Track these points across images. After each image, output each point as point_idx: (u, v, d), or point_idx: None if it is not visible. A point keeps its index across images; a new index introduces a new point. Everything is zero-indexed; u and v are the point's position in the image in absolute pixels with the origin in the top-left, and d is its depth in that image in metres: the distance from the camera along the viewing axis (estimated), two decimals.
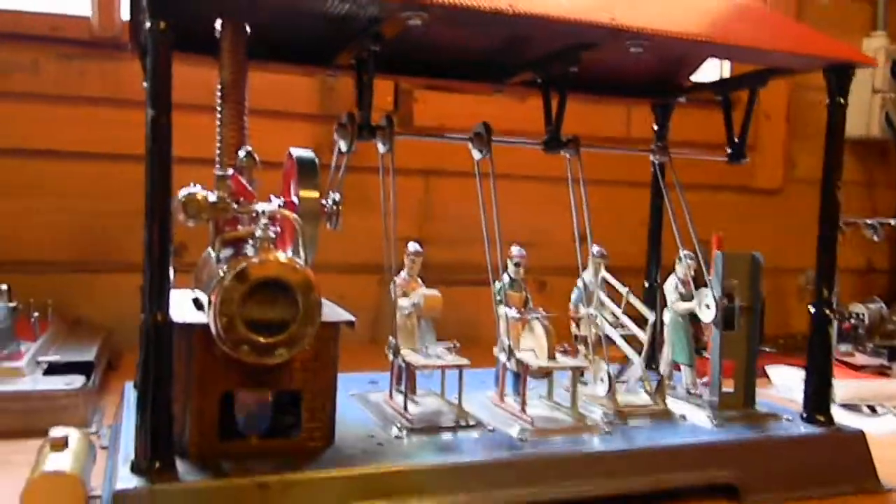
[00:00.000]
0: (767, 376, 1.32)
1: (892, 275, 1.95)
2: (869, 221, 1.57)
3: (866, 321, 1.52)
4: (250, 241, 0.68)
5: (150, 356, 0.59)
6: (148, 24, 0.58)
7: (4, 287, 1.04)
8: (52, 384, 0.90)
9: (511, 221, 1.44)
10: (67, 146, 1.32)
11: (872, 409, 1.14)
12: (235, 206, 0.68)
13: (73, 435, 0.70)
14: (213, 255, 0.70)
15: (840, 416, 1.11)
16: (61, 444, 0.66)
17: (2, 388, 0.87)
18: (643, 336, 0.83)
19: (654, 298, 1.01)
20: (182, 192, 0.65)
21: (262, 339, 0.61)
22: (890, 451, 0.97)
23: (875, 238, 1.57)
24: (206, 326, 0.61)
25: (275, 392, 0.66)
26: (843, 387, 1.18)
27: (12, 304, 1.03)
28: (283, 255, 0.65)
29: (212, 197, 0.66)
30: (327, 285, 1.47)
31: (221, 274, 0.61)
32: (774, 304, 1.72)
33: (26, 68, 1.28)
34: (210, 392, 0.62)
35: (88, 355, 1.04)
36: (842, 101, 0.81)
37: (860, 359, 1.36)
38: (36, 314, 1.08)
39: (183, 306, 0.69)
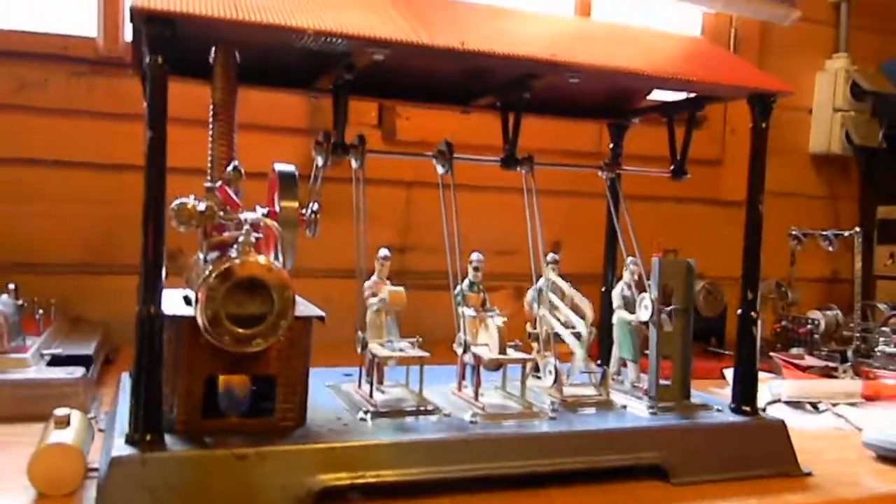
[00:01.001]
0: (724, 378, 1.41)
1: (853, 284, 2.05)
2: (825, 233, 1.67)
3: (822, 327, 1.61)
4: (234, 246, 0.77)
5: (144, 344, 0.68)
6: (147, 59, 0.68)
7: (12, 286, 1.14)
8: (55, 374, 0.99)
9: (490, 230, 1.55)
10: (74, 156, 1.41)
11: (815, 407, 1.23)
12: (222, 214, 0.77)
13: (75, 415, 0.79)
14: (201, 257, 0.79)
15: (785, 412, 1.20)
16: (64, 422, 0.76)
17: (9, 376, 0.96)
18: (584, 329, 0.93)
19: (609, 303, 1.10)
20: (175, 202, 0.74)
21: (241, 331, 0.70)
22: (822, 443, 1.06)
23: (830, 249, 1.67)
24: (193, 319, 0.70)
25: (253, 378, 0.76)
26: (789, 386, 1.27)
27: (19, 302, 1.12)
28: (262, 258, 0.74)
29: (201, 206, 0.76)
30: (317, 288, 1.57)
31: (207, 273, 0.71)
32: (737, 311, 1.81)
33: (38, 84, 1.38)
34: (196, 376, 0.72)
35: (88, 349, 1.13)
36: (764, 125, 0.90)
37: (808, 361, 1.46)
38: (41, 311, 1.17)
39: (175, 302, 0.79)
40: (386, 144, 1.61)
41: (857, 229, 1.61)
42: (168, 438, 0.70)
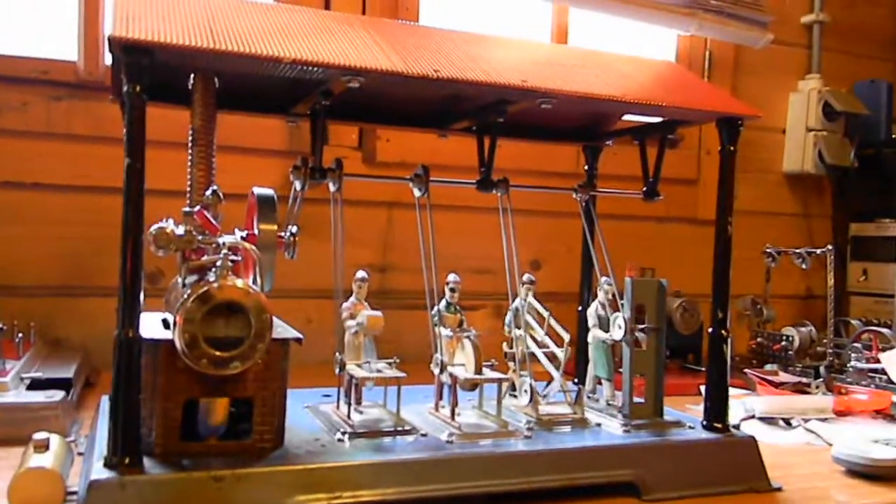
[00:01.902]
0: (701, 394, 1.43)
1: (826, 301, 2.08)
2: (798, 251, 1.70)
3: (796, 343, 1.64)
4: (212, 269, 0.78)
5: (122, 367, 0.69)
6: (125, 88, 0.69)
7: None
8: (34, 398, 0.99)
9: (470, 249, 1.57)
10: (53, 180, 1.42)
11: (787, 422, 1.25)
12: (200, 238, 0.79)
13: (54, 439, 0.80)
14: (180, 281, 0.80)
15: (757, 428, 1.22)
16: (43, 446, 0.76)
17: None
18: (560, 354, 0.94)
19: (585, 321, 1.12)
20: (153, 227, 0.75)
21: (219, 354, 0.72)
22: (793, 458, 1.08)
23: (803, 266, 1.70)
24: (171, 342, 0.71)
25: (232, 400, 0.77)
26: (762, 402, 1.29)
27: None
28: (240, 281, 0.75)
29: (179, 230, 0.77)
30: (297, 309, 1.58)
31: (185, 297, 0.72)
32: None
33: (17, 108, 1.39)
34: (173, 399, 0.73)
35: (68, 373, 1.13)
36: (731, 148, 0.93)
37: (782, 377, 1.48)
38: (20, 335, 1.17)
39: (154, 325, 0.80)
40: (366, 166, 1.63)
41: (830, 247, 1.64)
42: (146, 461, 0.71)
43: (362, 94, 0.97)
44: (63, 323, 1.42)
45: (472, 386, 0.89)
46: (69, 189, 1.43)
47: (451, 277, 0.97)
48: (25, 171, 1.41)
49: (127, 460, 0.69)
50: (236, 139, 1.50)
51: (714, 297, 0.94)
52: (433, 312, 0.93)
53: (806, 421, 1.24)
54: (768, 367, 1.57)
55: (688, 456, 0.89)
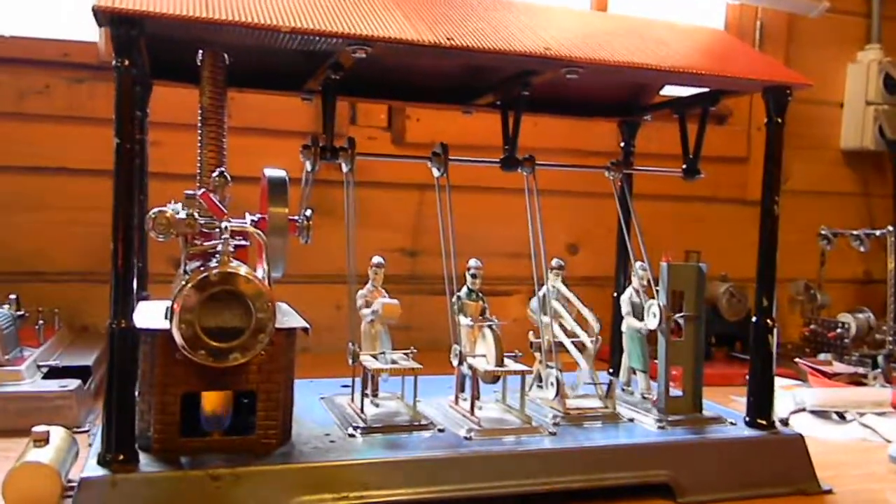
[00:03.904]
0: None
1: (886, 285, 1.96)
2: (855, 232, 1.60)
3: (852, 331, 1.54)
4: (216, 255, 0.74)
5: (115, 359, 0.65)
6: (114, 62, 0.65)
7: (13, 296, 1.13)
8: (47, 386, 0.97)
9: (504, 232, 1.50)
10: (77, 164, 1.40)
11: (841, 416, 1.17)
12: (203, 222, 0.74)
13: (57, 432, 0.77)
14: (181, 268, 0.76)
15: (809, 422, 1.14)
16: (43, 439, 0.73)
17: (1, 389, 0.95)
18: (590, 343, 0.88)
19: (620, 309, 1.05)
20: (153, 210, 0.71)
21: (218, 345, 0.67)
22: (846, 456, 1.00)
23: (861, 249, 1.60)
24: (167, 332, 0.67)
25: (235, 393, 0.73)
26: (814, 394, 1.21)
27: (19, 312, 1.10)
28: (243, 268, 0.71)
29: (181, 214, 0.73)
30: (328, 295, 1.54)
31: (183, 284, 0.68)
32: None
33: (39, 91, 1.37)
34: (171, 392, 0.69)
35: (88, 360, 1.11)
36: (779, 120, 0.85)
37: (836, 367, 1.39)
38: (41, 322, 1.15)
39: (155, 314, 0.76)
40: (396, 147, 1.58)
41: (891, 228, 1.53)
42: (143, 458, 0.67)
43: (379, 68, 0.92)
44: (91, 310, 1.40)
45: (493, 378, 0.83)
46: (95, 173, 1.41)
47: (473, 262, 0.91)
48: (49, 156, 1.39)
49: (121, 457, 0.66)
50: (261, 121, 1.47)
51: (759, 282, 0.87)
52: (453, 300, 0.88)
53: (861, 415, 1.15)
54: (822, 356, 1.47)
55: (728, 455, 0.83)
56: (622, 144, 1.09)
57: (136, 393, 0.69)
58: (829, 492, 0.84)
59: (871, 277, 1.99)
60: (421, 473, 0.72)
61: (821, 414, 1.18)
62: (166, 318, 0.74)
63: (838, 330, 1.56)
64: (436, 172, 0.90)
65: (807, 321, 1.65)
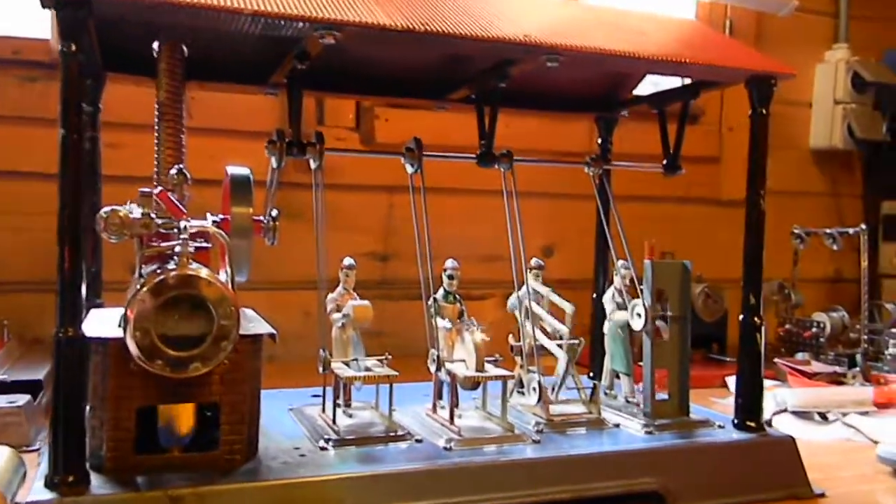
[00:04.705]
0: (727, 387, 1.33)
1: (860, 284, 1.96)
2: (828, 231, 1.59)
3: (827, 329, 1.53)
4: (174, 258, 0.69)
5: (63, 371, 0.60)
6: (60, 47, 0.59)
7: None
8: None
9: (478, 235, 1.46)
10: (29, 167, 1.33)
11: (823, 417, 1.15)
12: (160, 223, 0.69)
13: (2, 452, 0.71)
14: (136, 272, 0.71)
15: (791, 423, 1.12)
16: None
17: None
18: (566, 330, 0.84)
19: (602, 310, 1.02)
20: (105, 209, 0.66)
21: (177, 354, 0.62)
22: (833, 457, 0.98)
23: (834, 247, 1.59)
24: (120, 341, 0.62)
25: (197, 406, 0.67)
26: (795, 394, 1.18)
27: None
28: (203, 270, 0.66)
29: (136, 213, 0.67)
30: (294, 302, 1.48)
31: (137, 288, 0.63)
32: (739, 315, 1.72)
33: None
34: (125, 406, 0.63)
35: (38, 374, 1.04)
36: (763, 111, 0.82)
37: (816, 367, 1.37)
38: None
39: (110, 323, 0.70)
40: (365, 147, 1.53)
41: (864, 226, 1.52)
42: (95, 479, 0.62)
43: (348, 59, 0.87)
44: (43, 321, 1.32)
45: (474, 384, 0.79)
46: (47, 177, 1.32)
47: (449, 263, 0.86)
48: None
49: (71, 478, 0.60)
50: (223, 121, 1.41)
51: (745, 280, 0.84)
52: (429, 303, 0.83)
53: (844, 415, 1.13)
54: (799, 355, 1.46)
55: (719, 459, 0.79)
56: (599, 141, 1.06)
57: (87, 408, 0.64)
58: (822, 495, 0.81)
59: (842, 276, 1.99)
60: (400, 488, 0.67)
61: (803, 415, 1.15)
62: (120, 325, 0.69)
63: (814, 329, 1.54)
64: (409, 169, 0.85)
65: (781, 321, 1.63)
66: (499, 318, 1.54)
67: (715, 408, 1.09)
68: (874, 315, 1.59)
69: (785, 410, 1.16)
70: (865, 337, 1.47)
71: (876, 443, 1.00)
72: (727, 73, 0.81)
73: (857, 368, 1.36)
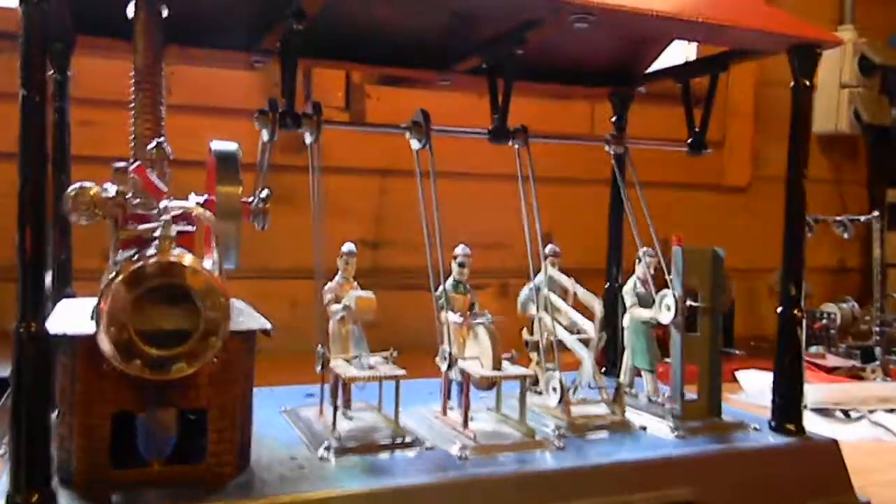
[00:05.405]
0: (737, 381, 1.27)
1: (864, 273, 1.91)
2: (839, 219, 1.52)
3: (838, 321, 1.47)
4: (154, 242, 0.60)
5: (24, 372, 0.51)
6: None
7: None
8: None
9: (472, 221, 1.38)
10: None
11: (846, 414, 1.08)
12: (136, 202, 0.60)
13: None
14: (111, 259, 0.62)
15: (812, 421, 1.05)
16: None
17: None
18: (594, 334, 0.77)
19: (615, 301, 0.94)
20: (72, 187, 0.57)
21: (157, 352, 0.54)
22: (867, 459, 0.91)
23: (845, 236, 1.53)
24: (92, 337, 0.53)
25: (181, 411, 0.59)
26: (815, 390, 1.12)
27: None
28: (188, 257, 0.57)
29: (109, 192, 0.59)
30: (282, 292, 1.40)
31: (111, 277, 0.54)
32: (745, 305, 1.66)
33: None
34: (98, 413, 0.55)
35: (3, 372, 0.95)
36: (807, 83, 0.75)
37: (832, 360, 1.31)
38: None
39: (81, 315, 0.62)
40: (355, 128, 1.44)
41: (876, 213, 1.47)
42: (64, 495, 0.53)
43: (347, 25, 0.79)
44: (8, 314, 1.23)
45: (490, 384, 0.71)
46: (11, 157, 1.24)
47: (460, 250, 0.79)
48: None
49: (35, 497, 0.51)
50: (206, 97, 1.32)
51: (785, 269, 0.77)
52: (438, 293, 0.75)
53: (871, 412, 1.07)
54: (813, 349, 1.40)
55: (756, 466, 0.72)
56: (614, 119, 0.99)
57: (55, 415, 0.55)
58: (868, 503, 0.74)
59: (846, 265, 1.94)
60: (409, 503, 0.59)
61: (823, 412, 1.09)
62: (92, 319, 0.60)
63: (824, 321, 1.48)
64: (416, 145, 0.77)
65: None
66: (496, 310, 1.47)
67: (733, 404, 1.03)
68: (883, 306, 1.53)
69: (805, 408, 1.09)
70: (877, 329, 1.42)
71: None
72: (770, 39, 0.73)
73: (877, 362, 1.30)
